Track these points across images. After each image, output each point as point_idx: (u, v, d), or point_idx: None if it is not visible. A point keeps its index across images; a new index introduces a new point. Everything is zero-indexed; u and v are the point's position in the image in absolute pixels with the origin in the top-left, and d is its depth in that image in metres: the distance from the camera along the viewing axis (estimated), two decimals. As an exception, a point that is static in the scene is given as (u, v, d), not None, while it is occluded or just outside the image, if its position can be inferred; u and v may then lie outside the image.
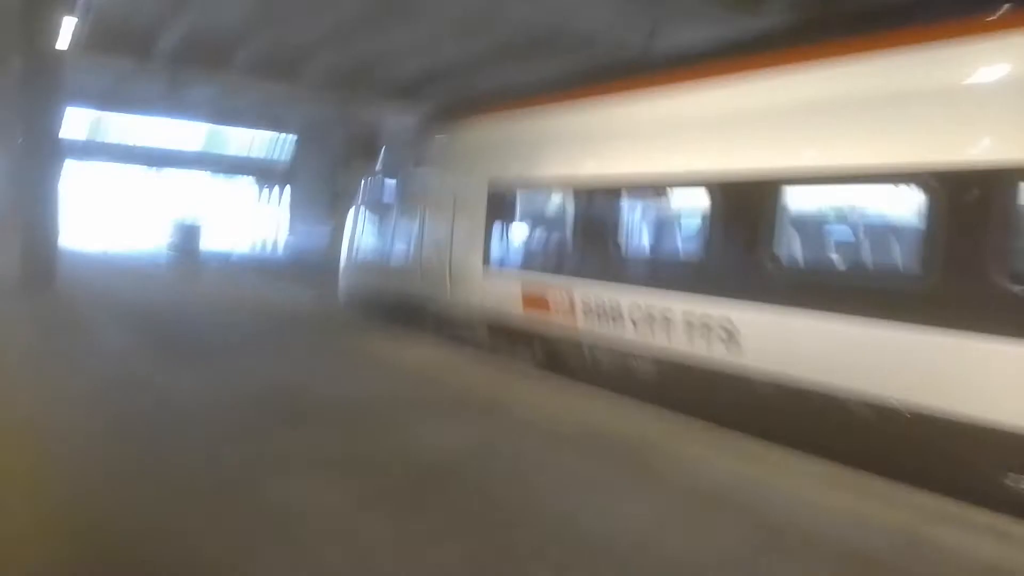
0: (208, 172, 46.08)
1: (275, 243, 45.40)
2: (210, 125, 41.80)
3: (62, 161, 12.48)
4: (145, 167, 46.93)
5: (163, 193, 48.23)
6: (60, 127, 12.55)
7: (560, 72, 11.55)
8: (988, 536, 3.96)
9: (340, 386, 6.76)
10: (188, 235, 38.02)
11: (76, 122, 36.52)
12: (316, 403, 6.12)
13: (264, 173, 47.92)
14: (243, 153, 46.47)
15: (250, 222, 49.94)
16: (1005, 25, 4.96)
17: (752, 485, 4.60)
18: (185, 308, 11.98)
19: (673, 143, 7.03)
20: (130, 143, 42.93)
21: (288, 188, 45.34)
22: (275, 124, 40.21)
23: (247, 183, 51.39)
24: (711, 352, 6.29)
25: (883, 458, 5.06)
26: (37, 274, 11.92)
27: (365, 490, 4.22)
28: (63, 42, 12.58)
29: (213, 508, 3.90)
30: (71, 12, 14.09)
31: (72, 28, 14.05)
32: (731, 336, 6.15)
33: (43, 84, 12.01)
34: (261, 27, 22.10)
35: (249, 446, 4.90)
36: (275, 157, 46.43)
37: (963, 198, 4.93)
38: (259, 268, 27.88)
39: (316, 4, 19.52)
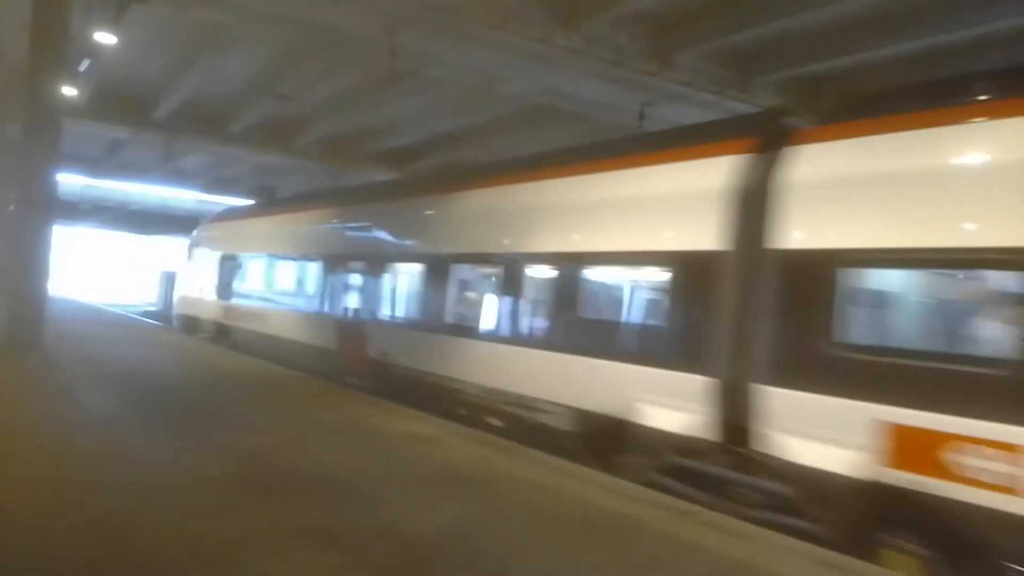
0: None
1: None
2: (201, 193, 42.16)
3: (53, 223, 12.43)
4: (133, 231, 47.15)
5: (152, 252, 48.36)
6: (54, 190, 12.58)
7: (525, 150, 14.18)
8: None
9: (319, 456, 6.64)
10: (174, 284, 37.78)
11: (68, 186, 36.72)
12: (296, 475, 5.99)
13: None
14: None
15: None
16: None
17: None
18: (167, 370, 11.84)
19: (264, 240, 17.13)
20: (119, 207, 43.17)
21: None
22: (268, 194, 40.52)
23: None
24: (272, 330, 14.93)
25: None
26: (24, 336, 11.76)
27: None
28: (62, 107, 12.73)
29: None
30: (72, 80, 14.34)
31: (71, 95, 14.28)
32: (267, 322, 15.33)
33: (39, 148, 12.09)
34: (258, 97, 22.50)
35: (227, 520, 4.76)
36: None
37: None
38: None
39: (314, 76, 19.94)
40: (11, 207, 12.71)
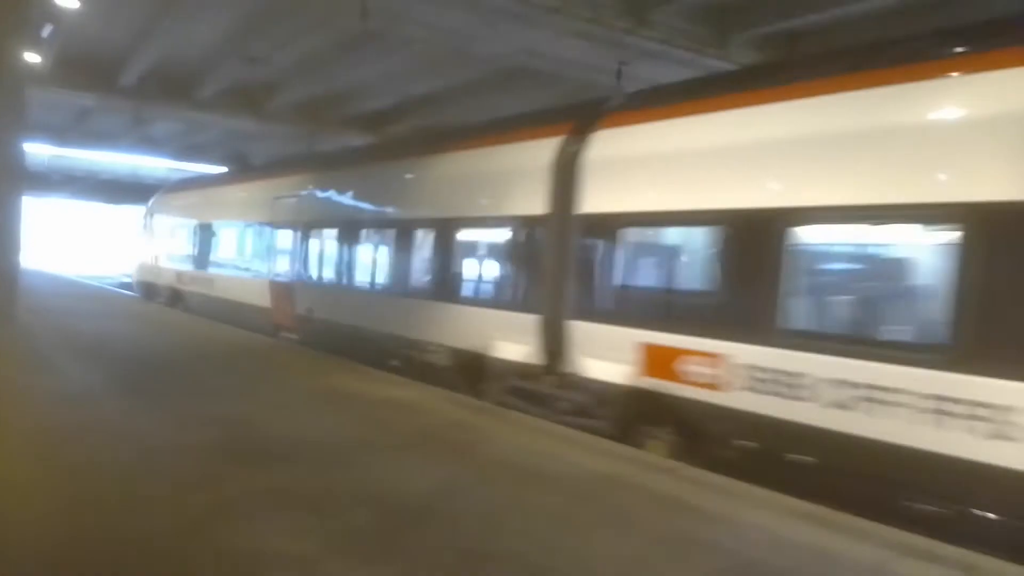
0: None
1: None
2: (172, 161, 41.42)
3: (23, 193, 12.15)
4: (106, 201, 46.38)
5: (126, 222, 47.54)
6: (22, 159, 12.28)
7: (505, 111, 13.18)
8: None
9: (302, 424, 6.64)
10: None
11: (37, 157, 36.00)
12: (278, 443, 5.99)
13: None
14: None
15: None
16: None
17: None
18: (145, 341, 11.73)
19: (208, 210, 18.12)
20: (90, 176, 42.39)
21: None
22: (240, 160, 39.88)
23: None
24: (219, 292, 16.25)
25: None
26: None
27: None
28: (26, 74, 12.37)
29: (177, 554, 3.77)
30: (35, 46, 13.94)
31: (36, 61, 13.89)
32: (214, 285, 16.64)
33: (4, 116, 11.75)
34: (226, 61, 22.02)
35: (212, 489, 4.76)
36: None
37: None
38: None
39: (285, 37, 19.53)
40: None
